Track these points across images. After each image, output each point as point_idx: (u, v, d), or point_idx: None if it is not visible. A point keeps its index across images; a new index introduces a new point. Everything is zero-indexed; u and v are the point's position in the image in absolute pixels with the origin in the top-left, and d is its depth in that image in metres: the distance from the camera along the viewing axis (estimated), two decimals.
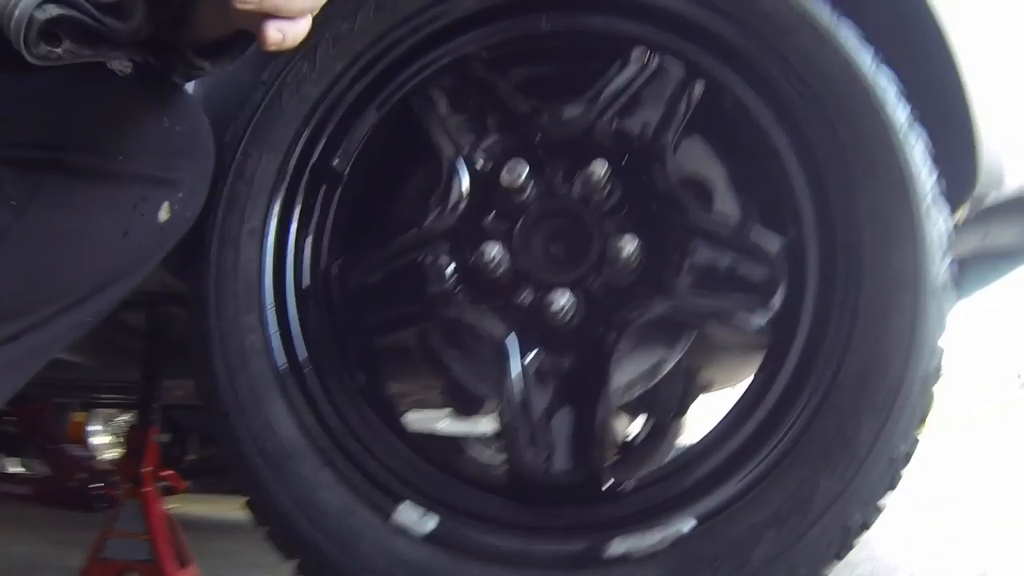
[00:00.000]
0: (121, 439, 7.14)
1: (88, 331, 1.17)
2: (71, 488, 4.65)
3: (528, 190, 1.46)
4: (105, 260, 1.09)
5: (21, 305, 1.04)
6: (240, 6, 0.88)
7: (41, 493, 4.83)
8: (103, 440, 7.05)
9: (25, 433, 5.14)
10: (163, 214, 1.10)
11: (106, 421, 7.09)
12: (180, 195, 1.11)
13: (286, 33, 0.92)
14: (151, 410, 2.74)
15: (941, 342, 1.30)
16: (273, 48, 0.92)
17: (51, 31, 0.92)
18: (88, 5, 0.93)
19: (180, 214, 1.12)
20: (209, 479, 6.09)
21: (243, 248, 1.49)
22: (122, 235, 1.07)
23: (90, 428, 6.59)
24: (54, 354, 1.14)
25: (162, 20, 1.01)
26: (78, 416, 6.29)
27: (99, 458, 5.80)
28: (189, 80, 1.16)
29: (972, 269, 2.04)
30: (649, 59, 1.46)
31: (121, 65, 1.02)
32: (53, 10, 0.90)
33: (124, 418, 7.07)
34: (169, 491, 3.83)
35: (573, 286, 1.43)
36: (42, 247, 1.02)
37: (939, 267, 1.31)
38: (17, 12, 0.89)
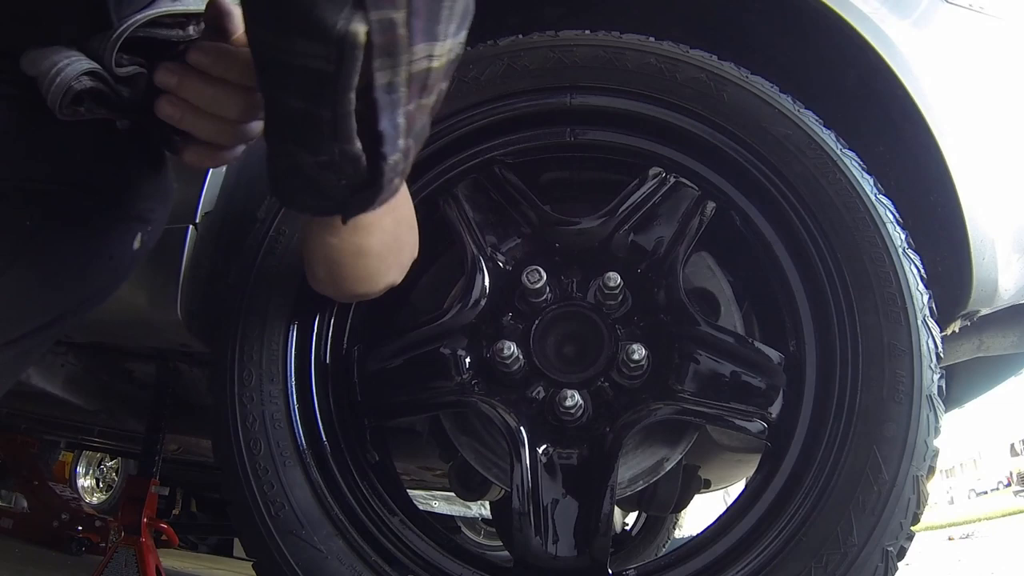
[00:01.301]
0: (104, 485, 7.12)
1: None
2: (53, 527, 4.62)
3: (545, 293, 1.51)
4: (91, 280, 1.26)
5: (19, 316, 1.19)
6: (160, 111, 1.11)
7: (21, 529, 4.79)
8: (85, 483, 6.99)
9: (9, 464, 5.11)
10: (137, 243, 1.28)
11: (89, 465, 7.03)
12: (149, 228, 1.29)
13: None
14: (153, 461, 2.74)
15: (935, 443, 1.34)
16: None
17: (77, 95, 1.09)
18: (111, 80, 1.09)
19: (147, 244, 1.31)
20: (191, 536, 6.06)
21: (269, 321, 1.50)
22: (108, 259, 1.25)
23: (77, 470, 6.56)
24: (29, 367, 1.31)
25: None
26: (64, 456, 6.26)
27: (84, 501, 5.76)
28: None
29: (970, 377, 2.09)
30: (665, 177, 1.53)
31: (121, 123, 1.18)
32: (87, 83, 1.07)
33: (109, 463, 7.04)
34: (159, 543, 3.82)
35: (583, 387, 1.48)
36: (46, 266, 1.17)
37: (931, 377, 1.36)
38: (59, 79, 1.05)
